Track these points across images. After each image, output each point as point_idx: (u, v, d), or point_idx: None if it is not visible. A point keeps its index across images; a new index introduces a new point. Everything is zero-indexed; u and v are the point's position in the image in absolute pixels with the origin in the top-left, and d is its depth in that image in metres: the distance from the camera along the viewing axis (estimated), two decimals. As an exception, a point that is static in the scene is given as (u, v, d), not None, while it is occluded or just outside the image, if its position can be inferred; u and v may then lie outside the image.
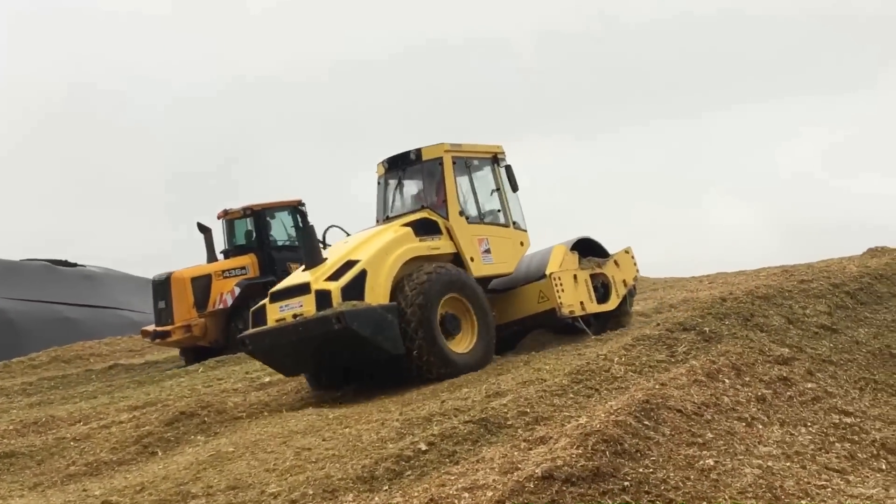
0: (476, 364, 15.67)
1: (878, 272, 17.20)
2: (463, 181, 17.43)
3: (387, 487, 10.10)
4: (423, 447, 10.90)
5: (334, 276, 15.57)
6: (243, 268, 25.52)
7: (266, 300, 16.14)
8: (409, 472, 10.42)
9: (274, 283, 24.25)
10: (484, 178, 17.81)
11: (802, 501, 9.37)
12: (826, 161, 69.87)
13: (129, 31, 72.44)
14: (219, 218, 26.61)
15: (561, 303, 17.11)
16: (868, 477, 10.46)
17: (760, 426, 11.17)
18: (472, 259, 16.92)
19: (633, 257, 18.74)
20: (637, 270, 18.82)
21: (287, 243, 26.01)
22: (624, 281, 18.36)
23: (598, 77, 73.85)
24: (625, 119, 73.79)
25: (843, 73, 71.72)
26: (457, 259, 16.86)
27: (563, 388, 12.56)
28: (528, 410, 11.82)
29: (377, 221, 17.55)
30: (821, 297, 15.85)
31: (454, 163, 17.18)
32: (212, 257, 26.09)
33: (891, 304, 16.23)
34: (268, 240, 25.87)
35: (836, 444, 11.14)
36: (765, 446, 10.59)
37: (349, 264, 15.71)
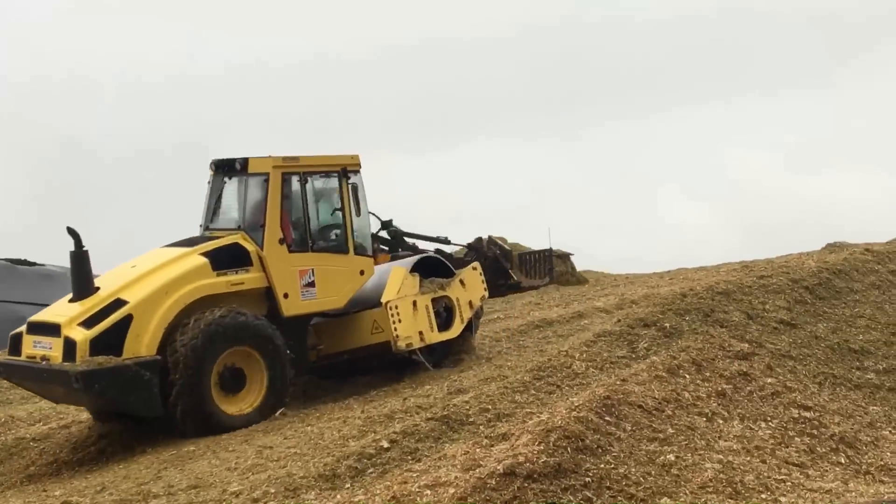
0: (255, 422, 13.84)
1: (836, 267, 17.34)
2: (295, 200, 15.14)
3: (349, 485, 10.09)
4: (386, 445, 10.90)
5: (90, 321, 13.57)
6: None
7: (24, 327, 14.28)
8: (371, 470, 10.41)
9: None
10: (327, 194, 15.71)
11: (762, 495, 9.43)
12: (786, 158, 70.45)
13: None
14: None
15: (397, 335, 15.24)
16: (827, 471, 10.55)
17: (721, 421, 11.24)
18: (286, 295, 14.80)
19: (481, 274, 16.98)
20: (485, 290, 17.03)
21: None
22: (470, 302, 16.53)
23: (553, 78, 74.16)
24: (581, 119, 74.21)
25: (802, 72, 72.38)
26: (270, 294, 14.79)
27: (525, 384, 12.60)
28: (490, 407, 11.85)
29: (200, 227, 15.59)
30: (780, 293, 15.96)
31: (284, 180, 14.96)
32: None
33: (849, 298, 16.37)
34: None
35: (796, 439, 11.22)
36: (725, 441, 10.65)
37: (115, 305, 13.71)
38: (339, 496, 9.69)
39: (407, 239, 27.64)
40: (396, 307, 15.37)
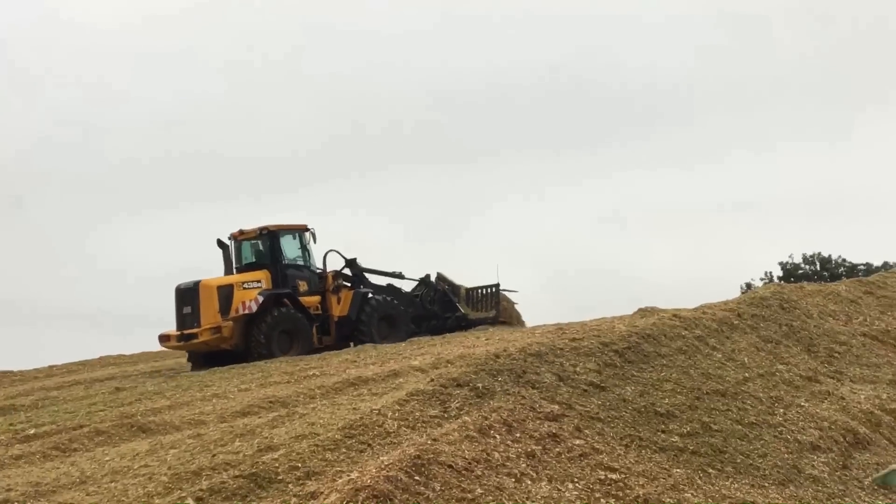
0: None
1: (645, 332, 17.75)
2: None
3: (151, 544, 9.85)
4: (191, 503, 10.68)
5: None
6: (258, 281, 27.98)
7: None
8: (175, 529, 10.20)
9: (290, 295, 27.77)
10: None
11: (567, 556, 9.56)
12: (601, 224, 72.31)
13: None
14: (230, 238, 29.04)
15: None
16: (630, 532, 10.76)
17: (529, 482, 11.36)
18: None
19: None
20: None
21: (293, 262, 28.86)
22: None
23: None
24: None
25: (623, 139, 74.67)
26: None
27: (336, 442, 12.52)
28: (300, 465, 11.73)
29: None
30: (591, 356, 16.25)
31: None
32: (228, 271, 28.83)
33: (656, 363, 16.76)
34: (281, 257, 28.49)
35: (602, 500, 11.41)
36: (533, 502, 10.77)
37: None
38: (140, 555, 9.46)
39: (368, 276, 29.81)
40: None
